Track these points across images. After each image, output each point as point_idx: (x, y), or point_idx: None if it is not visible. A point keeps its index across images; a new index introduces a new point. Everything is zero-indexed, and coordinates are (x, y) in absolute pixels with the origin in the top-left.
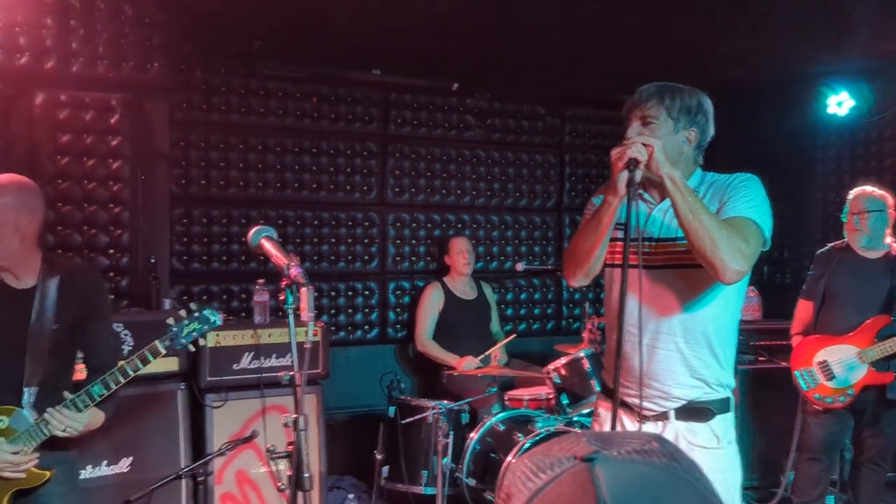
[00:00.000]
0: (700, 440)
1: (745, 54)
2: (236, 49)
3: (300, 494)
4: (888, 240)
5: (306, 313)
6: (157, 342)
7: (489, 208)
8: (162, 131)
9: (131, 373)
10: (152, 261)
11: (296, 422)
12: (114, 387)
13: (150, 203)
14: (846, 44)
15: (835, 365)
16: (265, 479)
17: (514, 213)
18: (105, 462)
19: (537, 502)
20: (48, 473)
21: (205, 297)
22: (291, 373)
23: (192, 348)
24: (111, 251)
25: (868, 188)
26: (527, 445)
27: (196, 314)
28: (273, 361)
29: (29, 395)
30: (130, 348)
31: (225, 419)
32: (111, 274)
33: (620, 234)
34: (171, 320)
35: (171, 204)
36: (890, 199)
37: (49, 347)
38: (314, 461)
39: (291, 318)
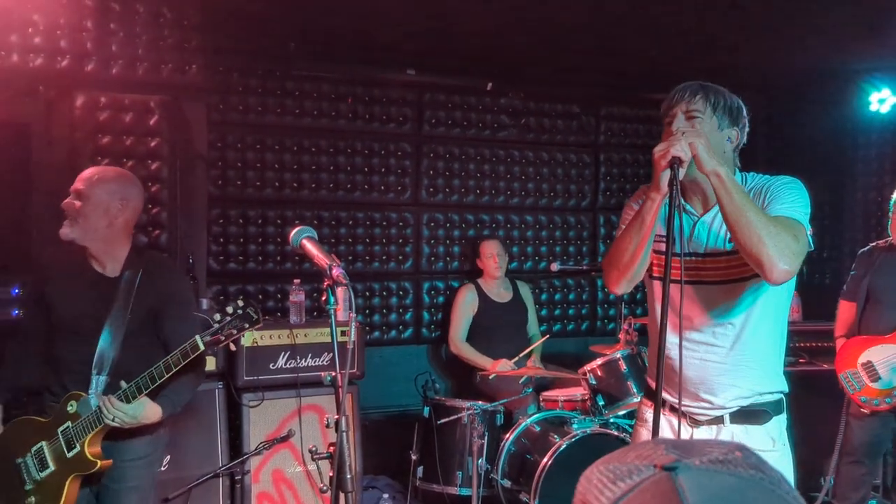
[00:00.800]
0: (755, 443)
1: (784, 51)
2: (272, 50)
3: (342, 495)
4: None
5: (342, 312)
6: (197, 337)
7: (524, 208)
8: (200, 132)
9: (174, 367)
10: (190, 261)
11: (338, 423)
12: (158, 380)
13: (188, 204)
14: (888, 40)
15: (879, 366)
16: (301, 478)
17: (548, 212)
18: None
19: None
20: (99, 463)
21: (240, 297)
22: (333, 373)
23: (232, 347)
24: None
25: None
26: (563, 447)
27: (240, 311)
28: (309, 361)
29: (97, 382)
30: None
31: (261, 418)
32: None
33: (664, 247)
34: (216, 316)
35: (209, 205)
36: None
37: (123, 338)
38: (351, 461)
39: (333, 318)
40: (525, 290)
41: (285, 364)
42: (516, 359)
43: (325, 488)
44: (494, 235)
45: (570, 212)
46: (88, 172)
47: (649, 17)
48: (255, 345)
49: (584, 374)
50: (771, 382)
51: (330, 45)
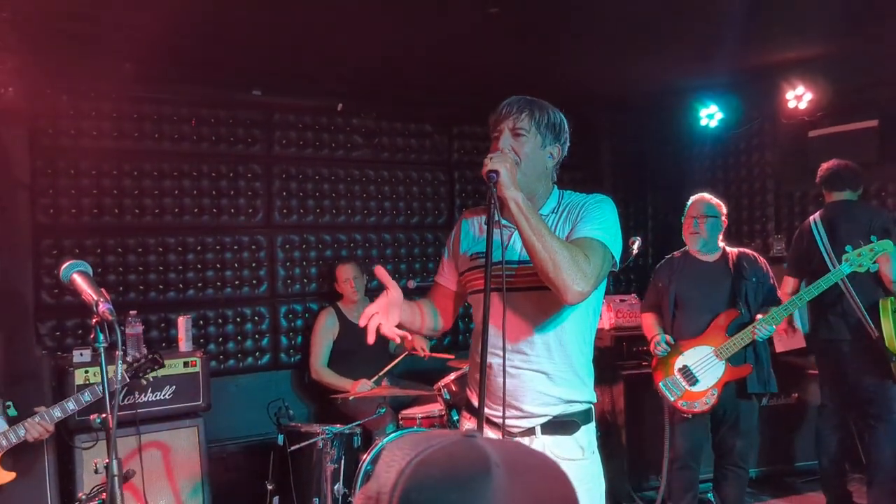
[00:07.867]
0: (566, 453)
1: (623, 70)
2: (106, 72)
3: None
4: (721, 243)
5: (184, 343)
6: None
7: (381, 227)
8: (21, 158)
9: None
10: None
11: (108, 467)
12: None
13: (8, 234)
14: (714, 59)
15: (695, 368)
16: None
17: (405, 230)
18: None
19: (422, 459)
20: None
21: (80, 332)
22: (104, 415)
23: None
24: None
25: (706, 195)
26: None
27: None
28: (149, 396)
29: None
30: None
31: (97, 460)
32: None
33: (482, 261)
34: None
35: (37, 235)
36: (724, 208)
37: None
38: (195, 497)
39: (103, 357)
40: None
41: (122, 400)
42: (375, 378)
43: None
44: (352, 257)
45: (427, 229)
46: None
47: (493, 40)
48: (88, 382)
49: (439, 389)
50: (580, 392)
51: (170, 65)
